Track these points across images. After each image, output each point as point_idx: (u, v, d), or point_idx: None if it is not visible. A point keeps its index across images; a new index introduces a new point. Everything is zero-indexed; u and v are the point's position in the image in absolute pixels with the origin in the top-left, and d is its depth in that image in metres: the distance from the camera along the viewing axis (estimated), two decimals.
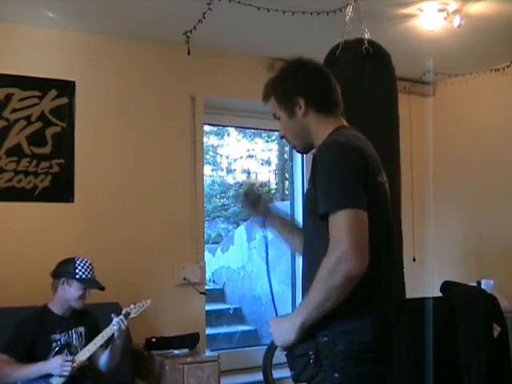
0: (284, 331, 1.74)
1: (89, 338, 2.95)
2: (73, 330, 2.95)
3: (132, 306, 2.96)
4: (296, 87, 1.87)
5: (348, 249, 1.60)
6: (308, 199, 1.83)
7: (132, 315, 2.94)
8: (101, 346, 2.90)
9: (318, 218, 1.70)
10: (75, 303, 2.94)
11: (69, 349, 2.90)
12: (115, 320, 2.88)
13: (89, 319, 3.04)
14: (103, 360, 2.98)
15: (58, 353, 2.85)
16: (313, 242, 1.81)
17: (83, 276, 2.92)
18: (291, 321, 1.72)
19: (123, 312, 2.93)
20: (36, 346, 2.85)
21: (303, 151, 1.99)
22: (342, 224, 1.62)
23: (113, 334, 2.88)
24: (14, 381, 2.78)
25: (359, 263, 1.60)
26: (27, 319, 2.92)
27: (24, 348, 2.83)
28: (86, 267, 2.95)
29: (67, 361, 2.76)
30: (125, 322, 2.89)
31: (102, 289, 2.98)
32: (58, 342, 2.87)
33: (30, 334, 2.86)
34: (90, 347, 2.88)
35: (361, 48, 2.77)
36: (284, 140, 1.98)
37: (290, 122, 1.89)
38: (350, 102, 2.73)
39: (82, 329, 2.98)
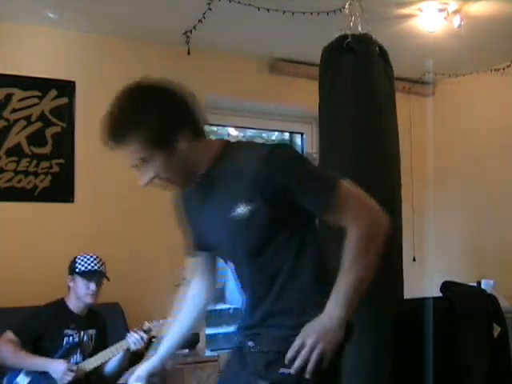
0: (331, 333, 1.49)
1: (97, 341, 2.92)
2: (85, 332, 2.90)
3: (155, 322, 2.85)
4: (173, 122, 1.57)
5: (375, 207, 1.55)
6: (254, 221, 1.55)
7: (153, 333, 2.80)
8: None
9: (321, 215, 1.59)
10: (85, 298, 2.90)
11: (81, 348, 2.86)
12: (134, 336, 2.80)
13: (100, 322, 3.01)
14: (110, 367, 2.92)
15: (69, 352, 2.80)
16: (265, 263, 1.59)
17: (82, 269, 2.89)
18: (330, 318, 1.49)
19: (144, 327, 2.84)
20: (46, 336, 2.81)
21: (186, 186, 1.70)
22: (351, 193, 1.55)
23: (128, 348, 2.81)
24: (12, 364, 2.75)
25: (387, 216, 1.56)
26: (45, 308, 2.90)
27: (33, 334, 2.80)
28: (85, 260, 2.92)
29: (71, 370, 2.71)
30: (145, 338, 2.79)
31: (106, 278, 2.95)
32: (70, 338, 2.83)
33: (45, 323, 2.82)
34: (98, 358, 2.82)
35: (372, 42, 2.77)
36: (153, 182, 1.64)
37: (168, 160, 1.56)
38: (367, 93, 2.74)
39: (93, 331, 2.94)
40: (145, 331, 2.83)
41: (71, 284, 2.91)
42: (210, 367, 3.48)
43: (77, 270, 2.90)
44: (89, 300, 2.91)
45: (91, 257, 2.95)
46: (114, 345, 2.85)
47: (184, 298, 1.95)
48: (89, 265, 2.92)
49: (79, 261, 2.92)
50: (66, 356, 2.80)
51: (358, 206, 1.54)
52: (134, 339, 2.80)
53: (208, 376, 3.45)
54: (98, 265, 2.94)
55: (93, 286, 2.89)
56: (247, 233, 1.58)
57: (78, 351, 2.84)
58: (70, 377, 2.71)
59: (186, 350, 3.55)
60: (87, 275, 2.90)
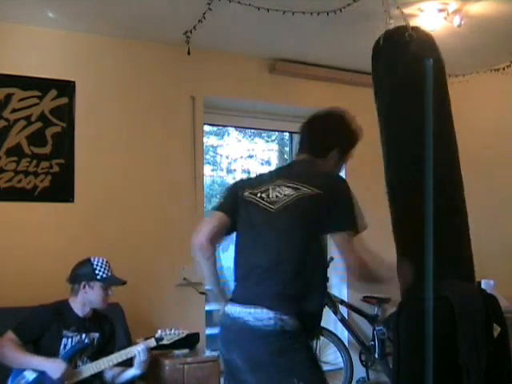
0: None
1: (99, 345, 2.88)
2: (87, 334, 2.86)
3: (167, 331, 2.84)
4: None
5: None
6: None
7: (164, 342, 2.80)
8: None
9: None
10: (100, 304, 2.86)
11: (85, 353, 2.83)
12: (143, 345, 2.78)
13: (106, 326, 2.96)
14: (111, 373, 2.88)
15: (74, 355, 2.79)
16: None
17: (104, 275, 2.85)
18: None
19: (156, 335, 2.81)
20: (45, 335, 2.79)
21: None
22: None
23: (134, 356, 2.79)
24: (13, 363, 2.75)
25: None
26: (46, 308, 2.87)
27: (34, 334, 2.79)
28: (104, 266, 2.88)
29: (66, 371, 2.70)
30: (151, 346, 2.77)
31: (124, 284, 2.91)
32: (69, 340, 2.80)
33: (45, 322, 2.80)
34: (99, 364, 2.78)
35: (403, 34, 2.73)
36: None
37: None
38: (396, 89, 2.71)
39: (96, 335, 2.90)
40: (156, 339, 2.81)
41: (85, 289, 2.85)
42: (210, 367, 3.47)
43: (98, 276, 2.84)
44: (105, 306, 2.88)
45: (106, 262, 2.90)
46: (117, 352, 2.82)
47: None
48: (108, 271, 2.87)
49: (98, 267, 2.86)
50: (71, 359, 2.79)
51: None
52: (143, 348, 2.78)
53: (208, 376, 3.44)
54: (112, 271, 2.90)
55: (111, 292, 2.87)
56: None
57: (81, 355, 2.82)
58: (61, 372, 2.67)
59: (186, 350, 3.55)
60: (109, 281, 2.85)
